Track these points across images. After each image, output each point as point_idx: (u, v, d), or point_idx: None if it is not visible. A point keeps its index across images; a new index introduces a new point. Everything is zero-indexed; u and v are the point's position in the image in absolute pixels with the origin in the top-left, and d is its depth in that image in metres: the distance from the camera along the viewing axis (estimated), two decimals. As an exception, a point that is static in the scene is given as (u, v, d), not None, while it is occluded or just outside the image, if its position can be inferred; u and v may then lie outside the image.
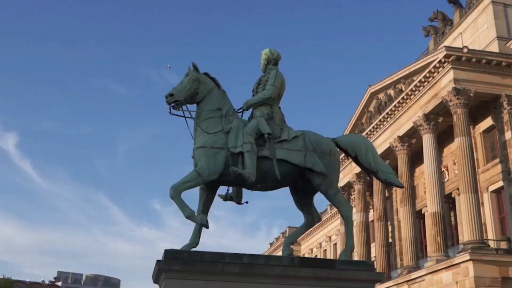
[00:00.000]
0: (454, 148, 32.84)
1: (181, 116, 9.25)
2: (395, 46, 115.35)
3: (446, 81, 30.35)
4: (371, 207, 44.30)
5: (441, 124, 32.55)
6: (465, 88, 29.59)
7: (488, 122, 31.53)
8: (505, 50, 30.63)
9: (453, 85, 29.56)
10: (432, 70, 31.05)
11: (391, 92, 36.54)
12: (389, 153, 37.80)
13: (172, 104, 8.92)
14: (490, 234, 29.54)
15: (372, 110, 39.39)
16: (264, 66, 9.77)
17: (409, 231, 33.43)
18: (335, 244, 61.58)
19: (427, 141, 32.22)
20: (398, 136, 35.26)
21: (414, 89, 33.18)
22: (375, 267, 9.17)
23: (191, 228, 8.71)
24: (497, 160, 30.35)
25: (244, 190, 9.48)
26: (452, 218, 34.29)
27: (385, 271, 36.04)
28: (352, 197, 45.63)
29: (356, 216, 42.28)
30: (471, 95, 29.62)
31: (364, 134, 39.97)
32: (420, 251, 34.69)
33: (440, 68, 30.54)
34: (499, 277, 25.95)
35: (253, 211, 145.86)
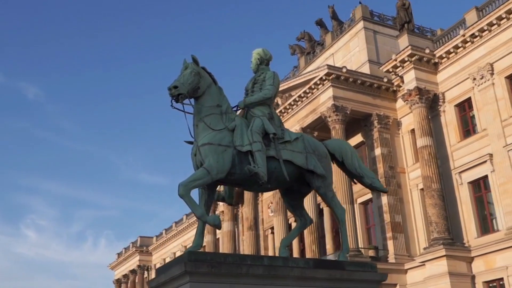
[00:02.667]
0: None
1: (181, 110, 8.91)
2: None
3: (325, 97, 32.09)
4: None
5: (316, 138, 34.25)
6: (342, 106, 31.57)
7: (358, 138, 33.87)
8: (375, 73, 33.28)
9: (333, 102, 31.36)
10: (312, 86, 32.65)
11: (267, 105, 37.59)
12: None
13: (174, 97, 8.48)
14: (359, 243, 31.62)
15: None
16: (256, 65, 9.70)
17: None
18: (191, 253, 61.20)
19: (303, 154, 33.59)
20: (273, 148, 36.27)
21: (292, 103, 34.57)
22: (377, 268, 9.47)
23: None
24: (367, 174, 32.66)
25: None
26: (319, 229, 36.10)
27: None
28: (219, 204, 46.00)
29: (224, 226, 42.70)
30: (348, 112, 31.68)
31: (236, 144, 40.60)
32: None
33: (320, 85, 32.23)
34: (372, 282, 27.87)
35: (79, 221, 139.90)
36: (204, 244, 46.59)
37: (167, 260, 67.47)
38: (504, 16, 27.14)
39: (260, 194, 43.51)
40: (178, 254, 64.85)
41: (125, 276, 74.86)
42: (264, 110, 9.14)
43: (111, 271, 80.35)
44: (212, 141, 8.38)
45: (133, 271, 72.22)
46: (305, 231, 32.17)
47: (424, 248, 27.73)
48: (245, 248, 40.22)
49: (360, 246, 30.18)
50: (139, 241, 73.18)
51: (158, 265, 69.52)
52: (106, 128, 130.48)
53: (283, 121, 35.28)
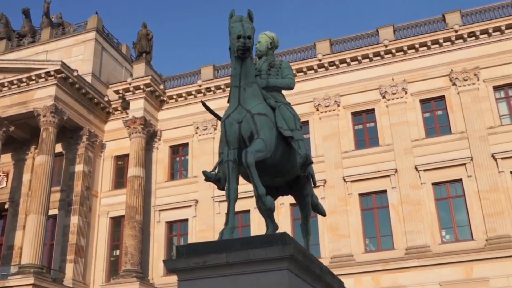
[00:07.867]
0: (8, 161, 31.17)
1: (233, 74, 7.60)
2: None
3: (44, 94, 28.80)
4: None
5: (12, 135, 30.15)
6: (62, 109, 28.87)
7: (57, 148, 31.04)
8: (97, 86, 31.74)
9: (53, 102, 28.39)
10: (33, 77, 28.95)
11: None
12: None
13: (245, 49, 7.19)
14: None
15: None
16: (267, 48, 8.85)
17: None
18: None
19: (-11, 147, 28.92)
20: None
21: (-5, 86, 29.70)
22: None
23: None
24: (58, 188, 30.07)
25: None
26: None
27: None
28: None
29: None
30: (65, 118, 29.05)
31: None
32: None
33: (43, 80, 28.87)
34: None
35: None
36: None
37: None
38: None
39: None
40: None
41: None
42: (285, 100, 8.40)
43: None
44: (267, 113, 7.32)
45: None
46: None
47: (113, 278, 26.82)
48: None
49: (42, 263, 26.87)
50: None
51: None
52: None
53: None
